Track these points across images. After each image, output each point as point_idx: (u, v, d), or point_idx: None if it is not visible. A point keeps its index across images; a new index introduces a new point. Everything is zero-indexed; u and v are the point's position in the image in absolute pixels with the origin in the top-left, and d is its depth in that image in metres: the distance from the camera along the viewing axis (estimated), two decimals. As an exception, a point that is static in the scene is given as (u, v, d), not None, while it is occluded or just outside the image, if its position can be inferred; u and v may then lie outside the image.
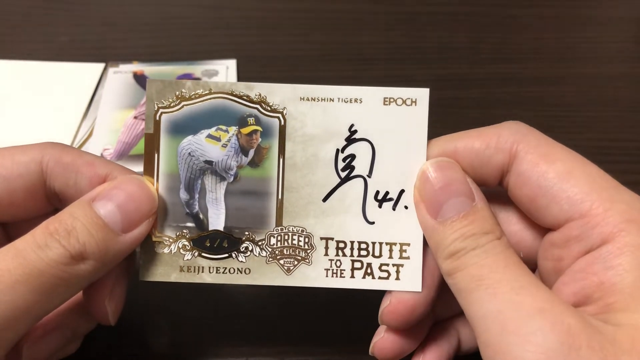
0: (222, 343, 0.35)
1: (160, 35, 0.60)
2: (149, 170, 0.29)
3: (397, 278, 0.29)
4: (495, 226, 0.26)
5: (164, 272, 0.29)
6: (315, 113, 0.29)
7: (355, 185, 0.29)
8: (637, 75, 0.56)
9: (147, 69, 0.54)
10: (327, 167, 0.29)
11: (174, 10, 0.63)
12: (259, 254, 0.29)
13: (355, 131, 0.29)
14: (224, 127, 0.29)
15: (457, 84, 0.55)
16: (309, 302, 0.37)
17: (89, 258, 0.26)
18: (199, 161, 0.29)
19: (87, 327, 0.32)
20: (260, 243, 0.29)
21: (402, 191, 0.29)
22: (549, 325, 0.22)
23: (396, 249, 0.29)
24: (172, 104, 0.29)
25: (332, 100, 0.29)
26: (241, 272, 0.29)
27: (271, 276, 0.29)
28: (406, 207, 0.29)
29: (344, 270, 0.29)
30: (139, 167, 0.30)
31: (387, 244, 0.29)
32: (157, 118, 0.29)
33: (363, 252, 0.29)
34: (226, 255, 0.29)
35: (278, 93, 0.29)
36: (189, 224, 0.29)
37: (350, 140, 0.29)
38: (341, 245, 0.29)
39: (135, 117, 0.49)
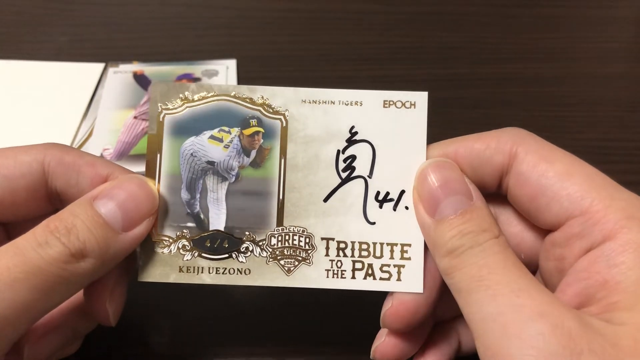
0: (222, 343, 0.35)
1: (160, 35, 0.60)
2: (151, 170, 0.29)
3: (399, 279, 0.29)
4: (493, 225, 0.26)
5: (163, 272, 0.29)
6: (317, 115, 0.29)
7: (356, 185, 0.29)
8: (637, 75, 0.56)
9: (147, 69, 0.54)
10: (328, 167, 0.29)
11: (174, 10, 0.63)
12: (260, 254, 0.29)
13: (356, 132, 0.29)
14: (226, 129, 0.29)
15: (457, 84, 0.55)
16: (309, 302, 0.37)
17: (89, 256, 0.26)
18: (201, 161, 0.29)
19: (88, 327, 0.32)
20: (260, 243, 0.29)
21: (402, 192, 0.29)
22: (550, 329, 0.22)
23: (397, 249, 0.29)
24: (175, 106, 0.30)
25: (333, 103, 0.29)
26: (241, 273, 0.29)
27: (271, 277, 0.29)
28: (407, 208, 0.29)
29: (345, 271, 0.29)
30: (139, 167, 0.30)
31: (388, 244, 0.29)
32: (161, 119, 0.30)
33: (364, 253, 0.29)
34: (226, 255, 0.29)
35: (280, 96, 0.30)
36: (190, 224, 0.29)
37: (350, 142, 0.29)
38: (342, 245, 0.29)
39: (135, 117, 0.49)
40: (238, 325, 0.36)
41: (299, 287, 0.29)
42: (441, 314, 0.31)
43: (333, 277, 0.29)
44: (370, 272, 0.29)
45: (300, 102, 0.29)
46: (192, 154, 0.29)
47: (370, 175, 0.29)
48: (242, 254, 0.29)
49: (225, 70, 0.55)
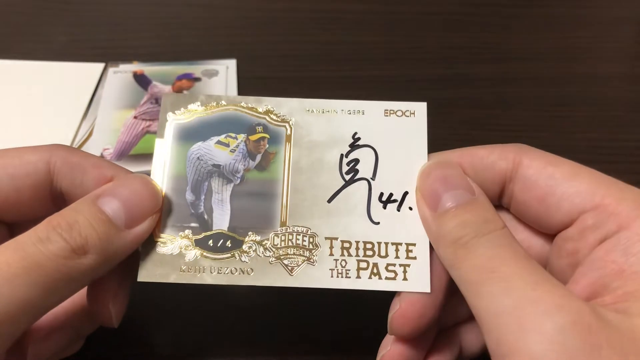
0: (222, 343, 0.35)
1: (160, 35, 0.60)
2: (158, 174, 0.30)
3: (405, 278, 0.28)
4: (496, 216, 0.26)
5: (164, 272, 0.29)
6: (320, 123, 0.31)
7: (360, 187, 0.30)
8: (637, 75, 0.56)
9: (147, 69, 0.54)
10: (332, 170, 0.30)
11: (174, 10, 0.63)
12: (263, 253, 0.29)
13: (359, 138, 0.30)
14: (233, 135, 0.31)
15: (457, 84, 0.55)
16: (310, 302, 0.37)
17: (91, 252, 0.25)
18: (207, 164, 0.30)
19: (91, 327, 0.32)
20: (264, 243, 0.29)
21: (406, 193, 0.29)
22: (570, 323, 0.22)
23: (402, 249, 0.29)
24: (185, 115, 0.31)
25: (336, 112, 0.31)
26: (243, 273, 0.29)
27: (274, 277, 0.29)
28: (410, 209, 0.29)
29: (350, 270, 0.29)
30: (139, 167, 0.30)
31: (392, 244, 0.29)
32: (169, 126, 0.31)
33: (369, 252, 0.29)
34: (229, 255, 0.29)
35: (285, 106, 0.31)
36: (193, 224, 0.29)
37: (354, 147, 0.30)
38: (346, 245, 0.29)
39: (135, 117, 0.49)
40: (238, 325, 0.36)
41: (301, 289, 0.29)
42: (443, 321, 0.31)
43: (337, 276, 0.29)
44: (375, 271, 0.29)
45: (304, 111, 0.31)
46: (198, 158, 0.30)
47: (374, 177, 0.30)
48: (245, 254, 0.29)
49: (225, 70, 0.55)
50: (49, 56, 0.56)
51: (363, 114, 0.31)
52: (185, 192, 0.30)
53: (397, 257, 0.29)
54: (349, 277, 0.29)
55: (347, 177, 0.30)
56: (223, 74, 0.54)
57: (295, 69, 0.56)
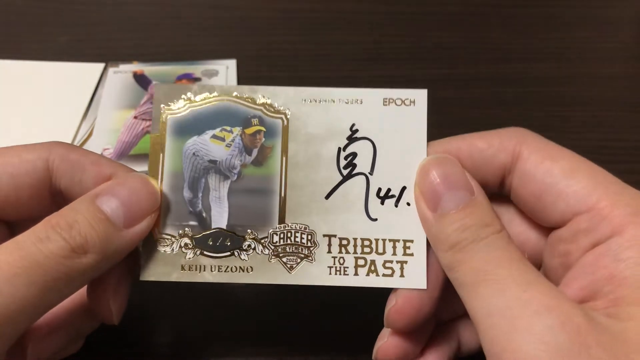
0: (222, 343, 0.35)
1: (160, 35, 0.60)
2: (154, 170, 0.30)
3: (402, 275, 0.29)
4: (495, 219, 0.26)
5: (165, 271, 0.29)
6: (318, 113, 0.30)
7: (357, 182, 0.29)
8: (637, 75, 0.56)
9: (147, 69, 0.54)
10: (329, 165, 0.29)
11: (174, 10, 0.63)
12: (262, 251, 0.29)
13: (357, 130, 0.30)
14: (228, 128, 0.30)
15: (457, 84, 0.55)
16: (310, 302, 0.37)
17: (90, 251, 0.25)
18: (203, 160, 0.30)
19: (91, 326, 0.32)
20: (262, 241, 0.29)
21: (404, 188, 0.29)
22: (559, 324, 0.22)
23: (400, 245, 0.29)
24: (178, 107, 0.30)
25: (334, 102, 0.30)
26: (243, 271, 0.29)
27: (274, 274, 0.29)
28: (408, 204, 0.29)
29: (348, 267, 0.29)
30: (139, 167, 0.30)
31: (390, 240, 0.29)
32: (163, 120, 0.30)
33: (366, 249, 0.29)
34: (228, 253, 0.29)
35: (281, 95, 0.30)
36: (192, 223, 0.29)
37: (351, 139, 0.30)
38: (344, 242, 0.29)
39: (135, 117, 0.49)
40: (238, 325, 0.36)
41: (299, 287, 0.29)
42: (441, 315, 0.31)
43: (336, 273, 0.29)
44: (373, 268, 0.29)
45: (301, 101, 0.30)
46: (194, 153, 0.30)
47: (372, 172, 0.29)
48: (244, 252, 0.29)
49: (225, 70, 0.55)
50: (49, 56, 0.56)
51: (361, 103, 0.30)
52: (183, 190, 0.29)
53: (394, 253, 0.29)
54: (347, 275, 0.29)
55: (345, 172, 0.29)
56: (223, 74, 0.54)
57: (295, 69, 0.56)
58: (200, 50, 0.57)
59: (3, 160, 0.28)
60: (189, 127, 0.30)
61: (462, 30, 0.61)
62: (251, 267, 0.29)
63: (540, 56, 0.58)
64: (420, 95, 0.30)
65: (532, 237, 0.29)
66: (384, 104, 0.30)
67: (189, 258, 0.29)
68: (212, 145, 0.30)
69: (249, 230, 0.29)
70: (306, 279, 0.29)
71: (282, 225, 0.29)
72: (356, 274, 0.29)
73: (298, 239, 0.29)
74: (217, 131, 0.30)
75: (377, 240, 0.29)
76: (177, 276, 0.29)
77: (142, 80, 0.53)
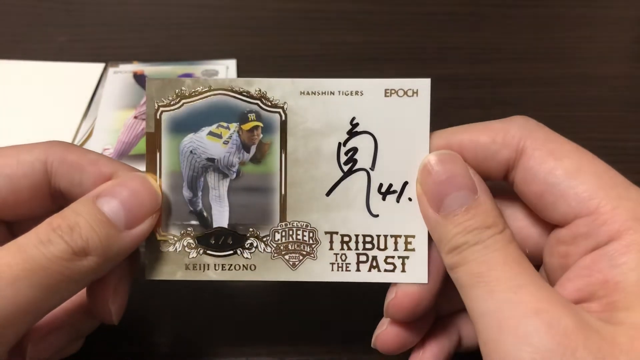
0: (222, 343, 0.35)
1: (160, 35, 0.60)
2: (152, 169, 0.29)
3: (403, 270, 0.29)
4: (498, 219, 0.26)
5: (170, 270, 0.29)
6: (316, 107, 0.29)
7: (358, 178, 0.29)
8: (637, 75, 0.56)
9: (147, 69, 0.54)
10: (330, 161, 0.29)
11: (174, 10, 0.63)
12: (264, 249, 0.29)
13: (357, 124, 0.29)
14: (224, 124, 0.29)
15: (457, 84, 0.55)
16: (310, 302, 0.37)
17: (92, 254, 0.25)
18: (201, 159, 0.29)
19: (91, 326, 0.31)
20: (264, 239, 0.29)
21: (405, 183, 0.29)
22: (545, 327, 0.22)
23: (401, 241, 0.29)
24: (172, 102, 0.29)
25: (333, 94, 0.29)
26: (246, 269, 0.29)
27: (276, 272, 0.29)
28: (410, 199, 0.29)
29: (350, 264, 0.29)
30: (139, 167, 0.30)
31: (392, 236, 0.29)
32: (158, 117, 0.29)
33: (368, 245, 0.29)
34: (231, 252, 0.29)
35: (278, 88, 0.29)
36: (193, 222, 0.29)
37: (352, 134, 0.29)
38: (346, 239, 0.29)
39: (135, 117, 0.49)
40: (238, 325, 0.36)
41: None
42: (442, 308, 0.31)
43: (338, 270, 0.29)
44: (374, 264, 0.29)
45: (298, 93, 0.29)
46: (191, 152, 0.29)
47: (373, 167, 0.29)
48: (247, 250, 0.29)
49: (225, 70, 0.55)
50: (49, 56, 0.56)
51: (361, 95, 0.29)
52: (182, 189, 0.29)
53: (396, 249, 0.29)
54: (349, 271, 0.29)
55: (346, 168, 0.29)
56: (223, 74, 0.54)
57: (295, 69, 0.56)
58: (200, 50, 0.57)
59: (0, 162, 0.28)
60: (185, 123, 0.29)
61: (462, 30, 0.61)
62: (254, 265, 0.29)
63: (540, 56, 0.58)
64: (423, 85, 0.29)
65: (533, 233, 0.29)
66: (385, 95, 0.29)
67: (193, 257, 0.29)
68: (209, 143, 0.29)
69: (250, 229, 0.29)
70: (309, 276, 0.29)
71: (283, 224, 0.29)
72: (358, 270, 0.29)
73: (300, 237, 0.29)
74: (213, 128, 0.29)
75: (378, 236, 0.29)
76: (181, 275, 0.29)
77: (142, 80, 0.53)
